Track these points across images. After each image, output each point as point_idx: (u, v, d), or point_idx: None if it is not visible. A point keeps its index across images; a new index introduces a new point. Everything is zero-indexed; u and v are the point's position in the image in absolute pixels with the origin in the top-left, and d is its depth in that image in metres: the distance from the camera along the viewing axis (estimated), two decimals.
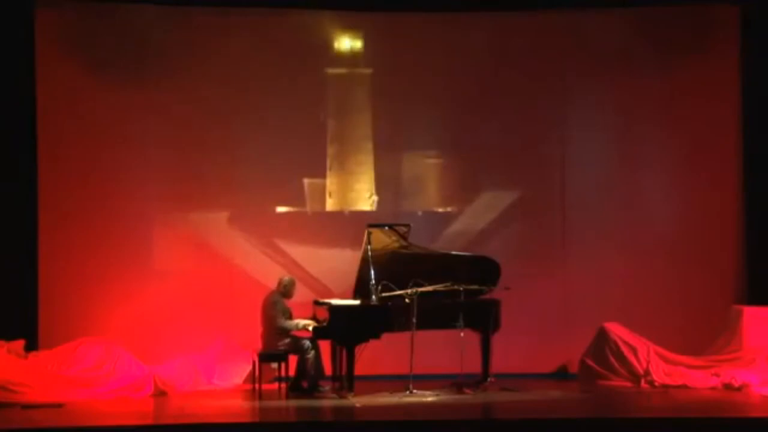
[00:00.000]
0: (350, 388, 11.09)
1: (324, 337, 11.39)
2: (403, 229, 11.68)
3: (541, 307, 12.68)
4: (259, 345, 11.39)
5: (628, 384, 11.87)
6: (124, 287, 12.47)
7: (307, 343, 11.34)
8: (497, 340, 11.74)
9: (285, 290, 11.52)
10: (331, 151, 13.12)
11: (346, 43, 13.02)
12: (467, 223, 13.07)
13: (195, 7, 12.80)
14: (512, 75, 13.12)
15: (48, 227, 12.45)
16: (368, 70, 13.07)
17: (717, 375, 11.62)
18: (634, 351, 12.00)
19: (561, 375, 12.71)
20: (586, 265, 12.94)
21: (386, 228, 11.63)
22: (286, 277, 11.66)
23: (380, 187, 13.07)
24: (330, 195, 13.08)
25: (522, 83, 13.12)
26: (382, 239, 11.59)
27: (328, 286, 12.57)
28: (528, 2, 13.00)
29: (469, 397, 11.21)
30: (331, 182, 13.10)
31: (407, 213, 12.82)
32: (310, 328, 11.35)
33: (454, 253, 12.03)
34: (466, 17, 13.00)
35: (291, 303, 11.52)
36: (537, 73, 13.10)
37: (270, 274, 12.19)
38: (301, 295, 11.82)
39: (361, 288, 11.49)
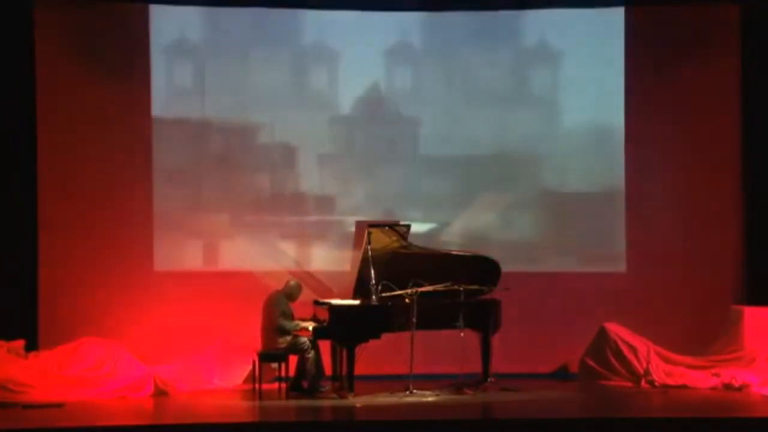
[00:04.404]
0: (350, 388, 11.09)
1: (324, 337, 11.40)
2: (403, 229, 11.69)
3: (541, 307, 12.67)
4: (258, 345, 11.39)
5: (628, 384, 11.87)
6: (124, 287, 12.47)
7: (307, 342, 11.34)
8: (497, 340, 11.75)
9: (290, 293, 11.52)
10: (332, 151, 13.12)
11: (350, 43, 13.01)
12: (467, 223, 13.08)
13: (195, 7, 12.81)
14: (511, 74, 13.14)
15: (48, 227, 12.45)
16: (372, 71, 13.06)
17: (717, 375, 11.62)
18: (634, 351, 12.00)
19: (561, 375, 12.71)
20: (586, 265, 12.94)
21: (386, 228, 11.65)
22: (293, 281, 11.65)
23: (380, 188, 13.07)
24: (332, 196, 13.09)
25: (522, 83, 13.13)
26: (383, 239, 11.59)
27: (329, 286, 12.56)
28: (528, 2, 12.99)
29: (469, 397, 11.21)
30: (331, 182, 13.09)
31: (407, 213, 12.81)
32: (310, 328, 11.35)
33: (454, 253, 12.05)
34: (463, 16, 13.00)
35: (291, 304, 11.52)
36: (536, 72, 13.10)
37: (271, 275, 12.20)
38: (302, 294, 11.80)
39: (361, 288, 11.50)
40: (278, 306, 11.36)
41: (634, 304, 12.67)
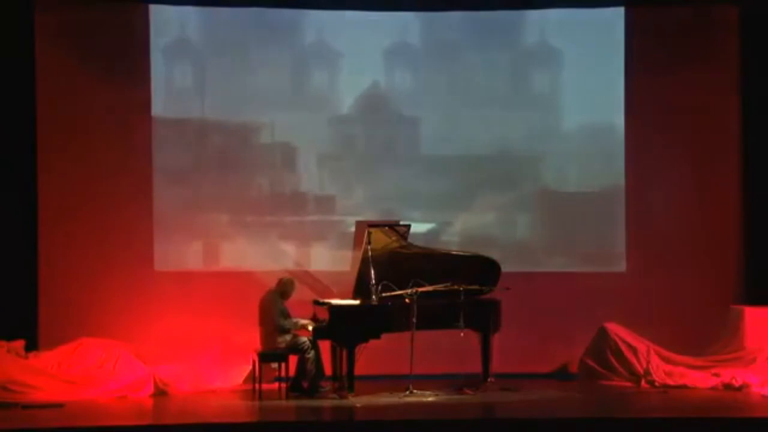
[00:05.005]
0: (350, 388, 11.10)
1: (324, 337, 11.40)
2: (403, 229, 11.69)
3: (541, 307, 12.67)
4: (258, 345, 11.38)
5: (628, 384, 11.87)
6: (125, 287, 12.47)
7: (307, 342, 11.34)
8: (497, 340, 11.75)
9: (284, 290, 11.51)
10: (332, 151, 13.12)
11: (350, 43, 13.01)
12: (467, 223, 13.08)
13: (194, 7, 12.82)
14: (511, 74, 13.15)
15: (48, 227, 12.46)
16: (372, 71, 13.06)
17: (717, 375, 11.63)
18: (634, 351, 12.00)
19: (561, 375, 12.71)
20: (586, 265, 12.95)
21: (386, 228, 11.64)
22: (286, 277, 11.66)
23: (381, 188, 13.07)
24: (332, 196, 13.09)
25: (522, 83, 13.15)
26: (382, 239, 11.59)
27: (329, 286, 12.56)
28: (528, 2, 13.00)
29: (469, 397, 11.22)
30: (331, 182, 13.10)
31: (407, 213, 12.81)
32: (310, 328, 11.35)
33: (454, 252, 12.05)
34: (463, 16, 13.01)
35: (290, 303, 11.52)
36: (536, 72, 13.11)
37: (270, 275, 12.18)
38: (301, 294, 11.82)
39: (361, 288, 11.50)
40: (275, 305, 11.35)
41: (634, 304, 12.67)
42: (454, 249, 12.41)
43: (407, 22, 13.08)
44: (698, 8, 12.98)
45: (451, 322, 11.34)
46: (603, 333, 12.21)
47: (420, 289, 11.25)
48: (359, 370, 11.17)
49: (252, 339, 11.48)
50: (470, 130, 13.06)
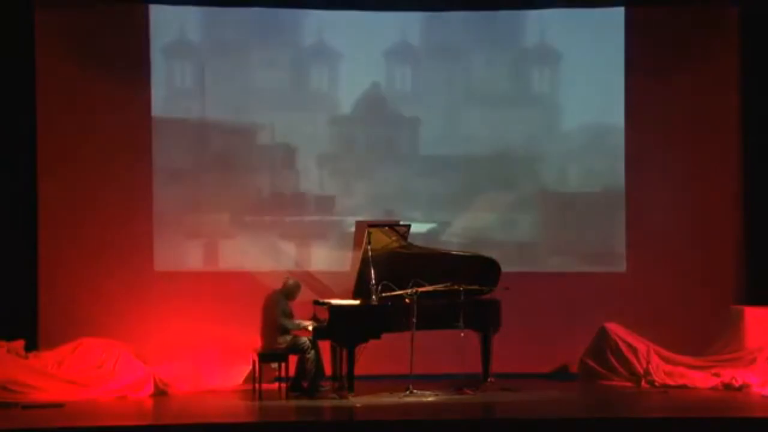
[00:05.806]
0: (350, 388, 11.10)
1: (324, 337, 11.40)
2: (403, 229, 11.69)
3: (541, 307, 12.67)
4: (258, 345, 11.38)
5: (628, 384, 11.87)
6: (125, 287, 12.47)
7: (307, 342, 11.34)
8: (497, 340, 11.75)
9: (289, 292, 11.50)
10: (332, 151, 13.13)
11: (350, 43, 13.02)
12: (467, 223, 13.08)
13: (195, 7, 12.82)
14: (511, 74, 13.15)
15: (48, 227, 12.46)
16: (372, 71, 13.07)
17: (717, 375, 11.63)
18: (634, 351, 12.00)
19: (561, 375, 12.71)
20: (586, 265, 12.95)
21: (386, 228, 11.64)
22: (291, 280, 11.64)
23: (380, 188, 13.08)
24: (332, 196, 13.09)
25: (522, 83, 13.15)
26: (383, 239, 11.59)
27: (329, 286, 12.56)
28: (527, 1, 13.01)
29: (469, 397, 11.22)
30: (331, 182, 13.10)
31: (407, 213, 12.82)
32: (310, 328, 11.36)
33: (454, 252, 12.05)
34: (463, 16, 13.01)
35: (290, 303, 11.52)
36: (536, 72, 13.11)
37: (270, 275, 12.19)
38: (302, 294, 11.79)
39: (361, 288, 11.49)
40: (278, 305, 11.36)
41: (634, 304, 12.67)
42: (454, 249, 12.41)
43: (407, 22, 13.09)
44: (698, 8, 12.98)
45: (451, 322, 11.34)
46: (603, 333, 12.21)
47: (420, 289, 11.25)
48: (359, 370, 11.17)
49: (252, 339, 11.48)
50: (470, 130, 13.07)
